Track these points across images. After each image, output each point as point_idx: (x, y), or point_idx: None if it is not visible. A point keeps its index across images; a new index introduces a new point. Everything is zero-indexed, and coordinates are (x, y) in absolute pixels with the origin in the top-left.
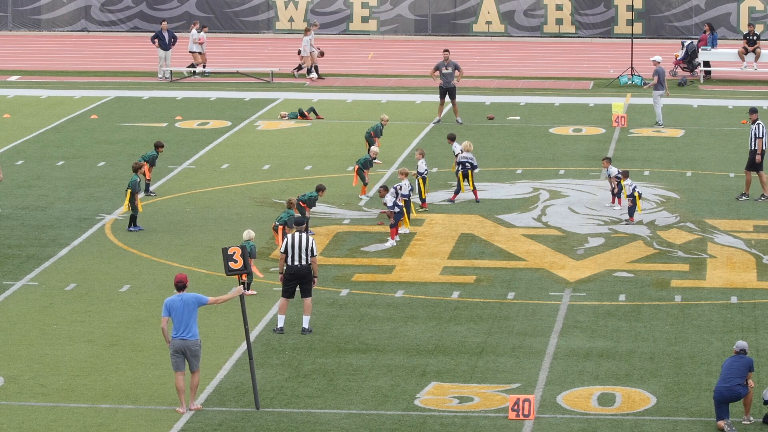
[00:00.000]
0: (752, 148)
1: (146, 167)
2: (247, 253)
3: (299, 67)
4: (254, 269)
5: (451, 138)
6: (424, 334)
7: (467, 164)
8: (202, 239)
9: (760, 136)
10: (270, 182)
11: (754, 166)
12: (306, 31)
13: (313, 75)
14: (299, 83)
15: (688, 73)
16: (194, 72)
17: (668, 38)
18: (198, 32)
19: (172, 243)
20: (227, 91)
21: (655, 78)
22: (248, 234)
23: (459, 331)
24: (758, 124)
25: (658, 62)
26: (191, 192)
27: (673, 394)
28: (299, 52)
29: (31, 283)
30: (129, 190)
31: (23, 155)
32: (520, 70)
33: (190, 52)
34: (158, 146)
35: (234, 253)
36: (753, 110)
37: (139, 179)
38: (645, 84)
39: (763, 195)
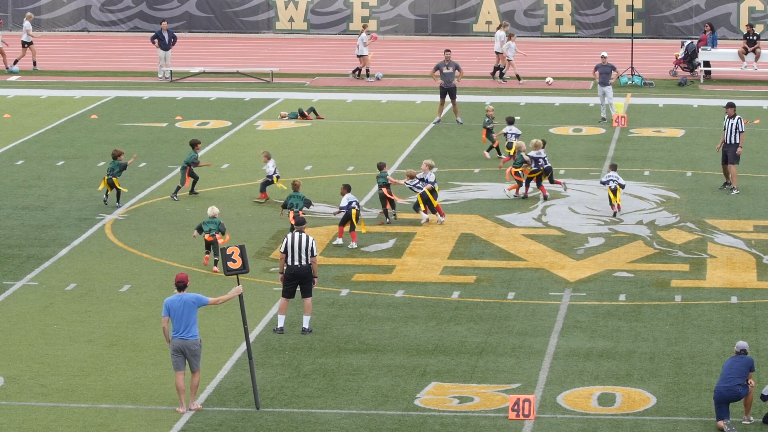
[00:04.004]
0: (730, 142)
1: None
2: (246, 253)
3: (357, 70)
4: (220, 241)
5: (510, 121)
6: (424, 334)
7: (540, 160)
8: (201, 239)
9: (743, 130)
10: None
11: (731, 158)
12: (510, 36)
13: (379, 74)
14: (299, 83)
15: (688, 73)
16: (358, 75)
17: (668, 38)
18: (367, 35)
19: (172, 243)
20: (227, 91)
21: (596, 73)
22: (212, 211)
23: (459, 331)
24: (739, 118)
25: (605, 57)
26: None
27: (673, 394)
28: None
29: (31, 283)
30: (114, 178)
31: (23, 155)
32: (520, 70)
33: (357, 56)
34: (195, 144)
35: (233, 252)
36: (730, 105)
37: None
38: (645, 83)
39: (726, 184)
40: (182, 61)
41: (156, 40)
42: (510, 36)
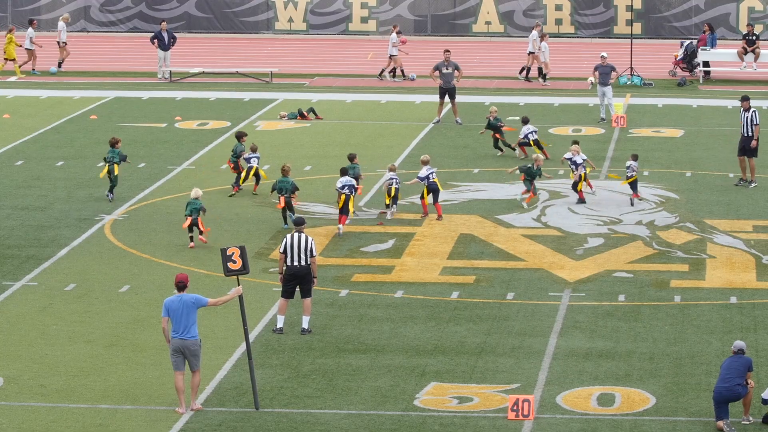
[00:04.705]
0: (747, 134)
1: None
2: (246, 253)
3: (393, 71)
4: (201, 225)
5: (525, 121)
6: (423, 335)
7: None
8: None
9: (757, 122)
10: (269, 182)
11: (749, 151)
12: (543, 37)
13: (413, 75)
14: (298, 83)
15: (687, 74)
16: (394, 75)
17: (668, 38)
18: (396, 35)
19: (171, 243)
20: (227, 92)
21: (596, 73)
22: (195, 192)
23: (458, 332)
24: (753, 111)
25: (604, 57)
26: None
27: (672, 395)
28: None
29: (30, 283)
30: (115, 165)
31: (23, 155)
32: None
33: (389, 56)
34: (241, 136)
35: (233, 253)
36: (745, 98)
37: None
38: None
39: (742, 180)
40: (182, 62)
41: (155, 41)
42: (543, 36)
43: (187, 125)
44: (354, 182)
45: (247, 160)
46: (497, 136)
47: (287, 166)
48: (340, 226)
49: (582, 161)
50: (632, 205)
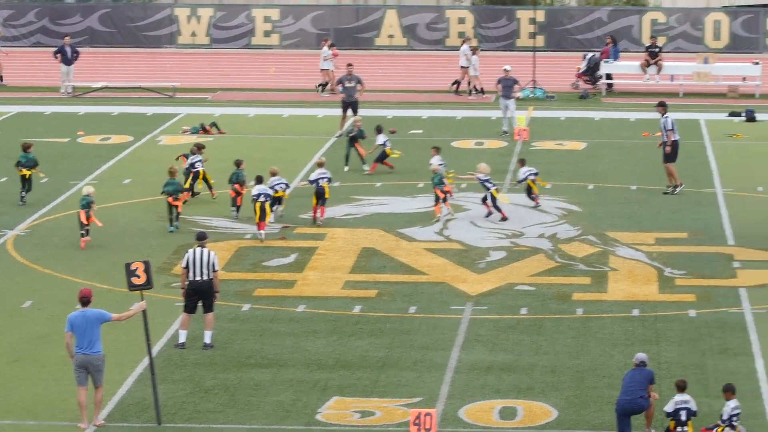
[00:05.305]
0: (666, 141)
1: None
2: (151, 268)
3: (324, 85)
4: (94, 220)
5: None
6: (325, 349)
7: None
8: (104, 255)
9: (670, 128)
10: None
11: (664, 158)
12: (474, 50)
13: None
14: (201, 98)
15: (590, 86)
16: (323, 89)
17: (570, 51)
18: (328, 49)
19: (74, 258)
20: (129, 106)
21: (499, 86)
22: (87, 189)
23: (360, 346)
24: (666, 117)
25: (507, 71)
26: (93, 207)
27: (574, 407)
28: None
29: None
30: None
31: None
32: (422, 84)
33: (321, 70)
34: (239, 163)
35: (137, 268)
36: (660, 104)
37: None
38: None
39: (668, 186)
40: (85, 76)
41: (59, 55)
42: (474, 50)
43: (90, 140)
44: (269, 190)
45: (192, 165)
46: (357, 145)
47: (174, 168)
48: (261, 232)
49: (486, 178)
50: (538, 206)
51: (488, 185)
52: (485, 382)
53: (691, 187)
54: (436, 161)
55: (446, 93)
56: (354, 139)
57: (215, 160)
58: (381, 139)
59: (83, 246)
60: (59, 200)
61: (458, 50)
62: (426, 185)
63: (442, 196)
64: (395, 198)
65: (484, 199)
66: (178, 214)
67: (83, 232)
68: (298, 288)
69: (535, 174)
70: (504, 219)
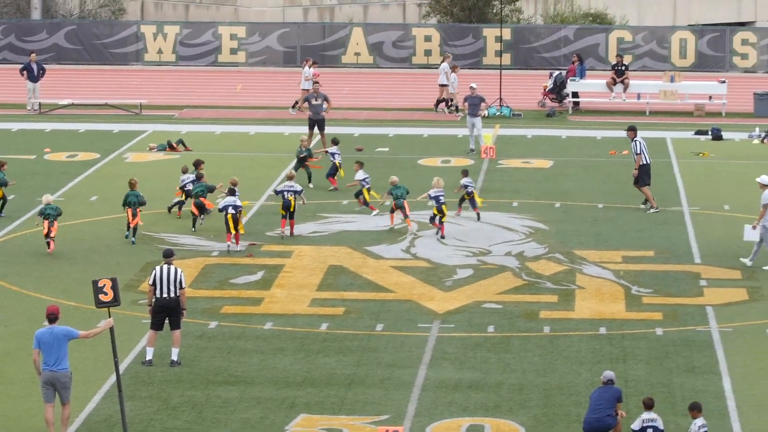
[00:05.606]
0: (637, 164)
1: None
2: (118, 285)
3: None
4: (54, 229)
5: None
6: (292, 366)
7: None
8: (71, 271)
9: (638, 152)
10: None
11: (635, 181)
12: (453, 68)
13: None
14: (168, 115)
15: (556, 104)
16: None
17: (537, 69)
18: (309, 68)
19: (42, 275)
20: (96, 123)
21: (465, 104)
22: (47, 198)
23: (328, 363)
24: (635, 141)
25: (474, 89)
26: (60, 224)
27: (542, 425)
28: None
29: None
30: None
31: None
32: (388, 102)
33: (302, 89)
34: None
35: (104, 285)
36: (630, 128)
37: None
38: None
39: (649, 205)
40: (51, 93)
41: (25, 72)
42: (454, 68)
43: (57, 157)
44: (239, 201)
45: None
46: (308, 163)
47: (134, 180)
48: (229, 243)
49: (436, 194)
50: (478, 220)
51: (441, 200)
52: (452, 400)
53: (658, 205)
54: (359, 176)
55: (412, 111)
56: (303, 158)
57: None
58: (333, 149)
59: (50, 251)
60: (26, 217)
61: (425, 68)
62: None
63: (407, 210)
64: (362, 216)
65: (432, 219)
66: (136, 227)
67: (48, 241)
68: (265, 305)
69: (474, 188)
70: (442, 237)
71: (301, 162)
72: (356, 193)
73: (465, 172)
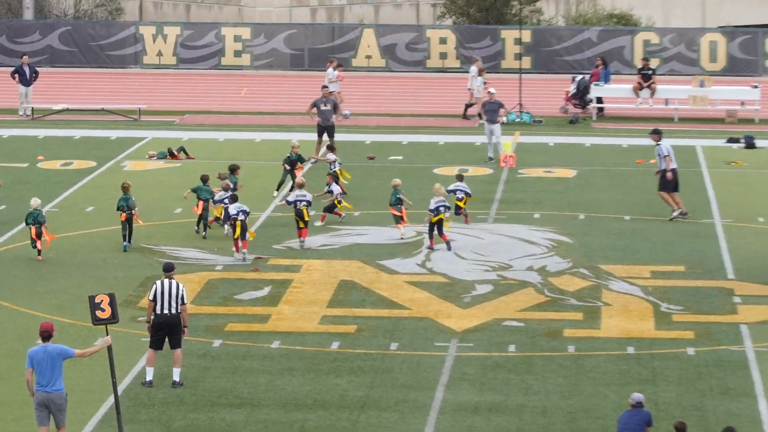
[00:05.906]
0: (662, 168)
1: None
2: (116, 301)
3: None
4: (45, 234)
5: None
6: (302, 388)
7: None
8: (66, 286)
9: (666, 154)
10: (137, 226)
11: (665, 186)
12: (481, 72)
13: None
14: (168, 121)
15: (579, 110)
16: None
17: (559, 73)
18: (334, 70)
19: (34, 291)
20: (92, 130)
21: (483, 110)
22: (35, 201)
23: (339, 384)
24: (658, 145)
25: (492, 93)
26: (54, 236)
27: None
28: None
29: None
30: None
31: None
32: (402, 107)
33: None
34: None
35: (102, 301)
36: (654, 131)
37: None
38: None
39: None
40: (44, 98)
41: (16, 76)
42: (481, 71)
43: (51, 165)
44: (246, 207)
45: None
46: (296, 172)
47: (127, 183)
48: (245, 251)
49: (436, 205)
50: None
51: (441, 210)
52: (472, 424)
53: (689, 217)
54: (331, 157)
55: (427, 117)
56: (293, 164)
57: (183, 187)
58: (331, 157)
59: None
60: (17, 229)
61: (440, 72)
62: (409, 214)
63: (399, 215)
64: (375, 227)
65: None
66: (132, 231)
67: (38, 250)
68: (272, 323)
69: (467, 194)
70: (430, 247)
71: (292, 167)
72: (326, 208)
73: (459, 177)
